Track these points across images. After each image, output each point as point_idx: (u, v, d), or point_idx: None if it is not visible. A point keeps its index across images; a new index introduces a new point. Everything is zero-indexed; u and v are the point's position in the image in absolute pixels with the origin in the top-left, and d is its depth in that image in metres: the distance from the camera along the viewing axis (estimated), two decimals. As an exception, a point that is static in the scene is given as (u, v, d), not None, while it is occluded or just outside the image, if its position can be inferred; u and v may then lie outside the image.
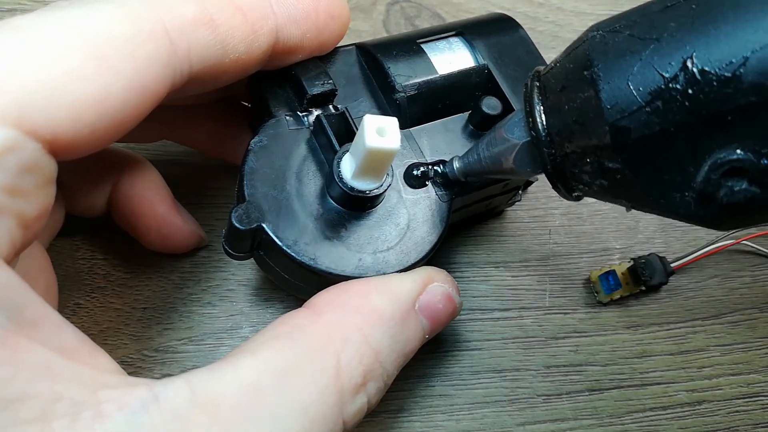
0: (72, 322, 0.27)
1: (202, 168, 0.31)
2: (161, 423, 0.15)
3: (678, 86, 0.16)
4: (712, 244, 0.32)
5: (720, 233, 0.33)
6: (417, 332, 0.21)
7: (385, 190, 0.22)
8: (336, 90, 0.24)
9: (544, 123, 0.20)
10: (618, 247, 0.33)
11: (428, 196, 0.24)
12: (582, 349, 0.30)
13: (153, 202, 0.26)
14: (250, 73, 0.22)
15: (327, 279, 0.21)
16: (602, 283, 0.31)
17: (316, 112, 0.24)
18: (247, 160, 0.22)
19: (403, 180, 0.24)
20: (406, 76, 0.25)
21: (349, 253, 0.22)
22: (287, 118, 0.23)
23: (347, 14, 0.24)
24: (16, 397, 0.14)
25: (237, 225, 0.21)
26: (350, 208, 0.22)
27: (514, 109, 0.26)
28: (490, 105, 0.25)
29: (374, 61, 0.25)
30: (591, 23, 0.19)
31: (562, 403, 0.29)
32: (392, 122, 0.20)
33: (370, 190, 0.22)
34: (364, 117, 0.20)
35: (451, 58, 0.26)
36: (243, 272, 0.29)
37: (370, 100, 0.25)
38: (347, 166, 0.22)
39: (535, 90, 0.20)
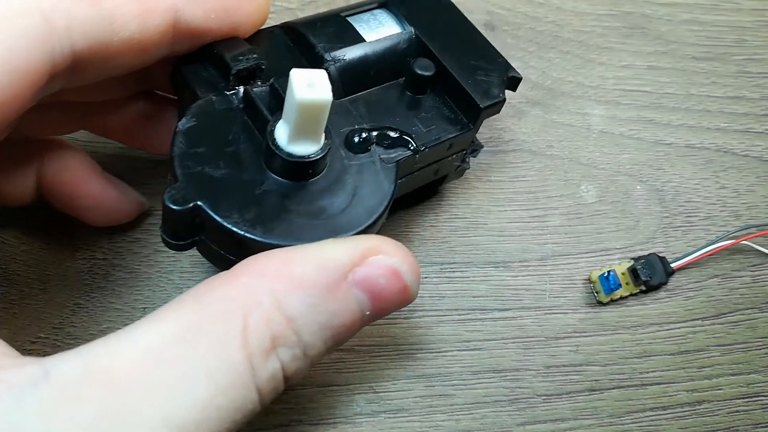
0: (72, 322, 0.28)
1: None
2: (51, 400, 0.14)
3: None
4: (712, 244, 0.32)
5: (720, 233, 0.34)
6: (349, 306, 0.19)
7: (326, 154, 0.21)
8: (262, 64, 0.23)
9: None
10: (618, 247, 0.33)
11: (373, 161, 0.23)
12: (582, 349, 0.30)
13: (85, 182, 0.26)
14: (154, 56, 0.21)
15: None
16: (602, 283, 0.31)
17: (243, 89, 0.23)
18: (176, 142, 0.21)
19: (344, 148, 0.23)
20: (333, 47, 0.25)
21: (297, 222, 0.21)
22: (214, 98, 0.23)
23: None
24: None
25: (171, 206, 0.19)
26: (292, 178, 0.21)
27: (447, 71, 0.26)
28: (423, 66, 0.25)
29: (300, 36, 0.25)
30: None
31: (562, 403, 0.29)
32: (321, 74, 0.19)
33: (309, 155, 0.21)
34: (290, 72, 0.19)
35: (378, 28, 0.26)
36: (243, 272, 0.29)
37: None
38: (282, 133, 0.21)
39: None
